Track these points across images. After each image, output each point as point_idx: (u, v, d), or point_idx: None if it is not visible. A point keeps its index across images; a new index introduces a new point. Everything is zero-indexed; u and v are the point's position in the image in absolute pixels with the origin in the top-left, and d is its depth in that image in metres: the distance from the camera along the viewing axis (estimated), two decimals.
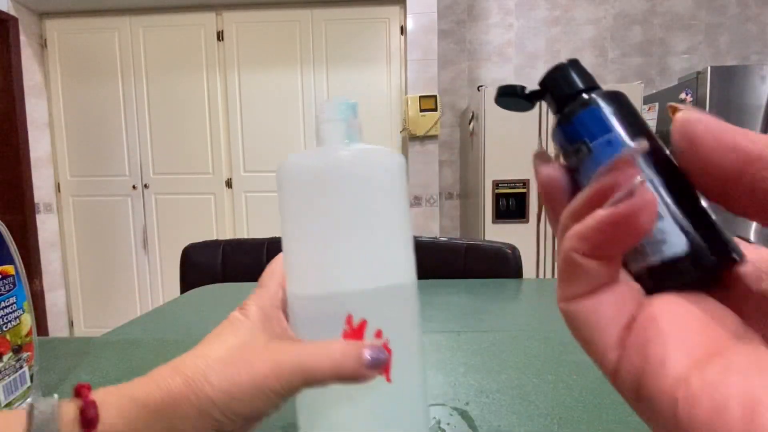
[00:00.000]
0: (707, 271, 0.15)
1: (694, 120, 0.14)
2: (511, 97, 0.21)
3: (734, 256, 0.15)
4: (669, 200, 0.15)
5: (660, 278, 0.15)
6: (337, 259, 0.25)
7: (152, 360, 0.55)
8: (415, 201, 2.48)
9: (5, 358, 0.40)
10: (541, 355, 0.54)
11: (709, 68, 2.08)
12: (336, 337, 0.24)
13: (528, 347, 0.57)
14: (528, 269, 2.07)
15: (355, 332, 0.23)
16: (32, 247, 2.46)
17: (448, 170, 2.87)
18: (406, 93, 2.44)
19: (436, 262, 1.13)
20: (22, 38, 2.41)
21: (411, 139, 2.41)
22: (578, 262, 0.14)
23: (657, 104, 2.44)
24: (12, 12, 2.34)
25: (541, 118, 2.16)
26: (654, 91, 2.56)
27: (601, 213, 0.14)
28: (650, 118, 2.45)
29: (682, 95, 2.23)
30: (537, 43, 2.78)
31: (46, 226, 2.55)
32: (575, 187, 0.18)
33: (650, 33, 2.76)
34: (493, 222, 2.23)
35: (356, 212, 0.25)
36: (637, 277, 0.16)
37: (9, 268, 0.41)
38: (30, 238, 2.44)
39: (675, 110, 0.15)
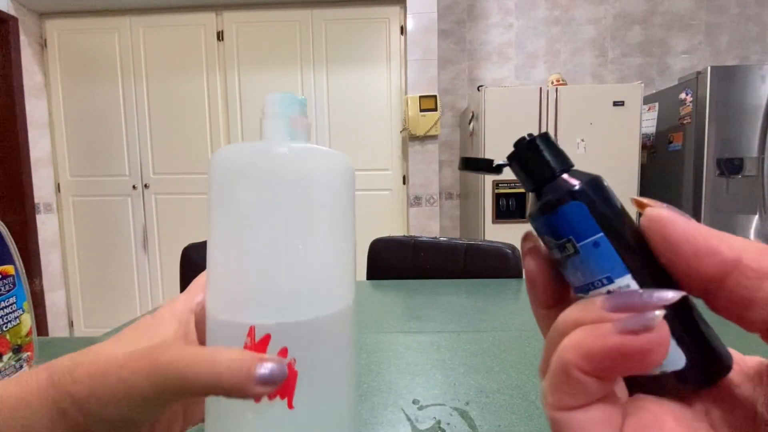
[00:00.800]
0: (702, 385, 0.15)
1: (665, 219, 0.14)
2: (477, 170, 0.21)
3: (726, 366, 0.15)
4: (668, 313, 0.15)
5: (654, 386, 0.15)
6: (250, 280, 0.21)
7: None
8: (415, 201, 2.48)
9: (5, 358, 0.40)
10: (540, 355, 0.54)
11: (709, 68, 2.08)
12: None
13: (528, 347, 0.57)
14: None
15: (257, 347, 0.20)
16: (32, 247, 2.46)
17: (448, 170, 2.87)
18: (406, 93, 2.44)
19: (436, 262, 1.13)
20: (22, 38, 2.41)
21: (411, 139, 2.41)
22: (578, 379, 0.14)
23: (657, 104, 2.44)
24: (12, 12, 2.34)
25: (541, 118, 2.16)
26: (654, 91, 2.56)
27: (612, 339, 0.13)
28: (650, 117, 2.46)
29: (682, 95, 2.23)
30: (537, 43, 2.78)
31: (46, 226, 2.55)
32: (559, 275, 0.17)
33: (650, 33, 2.76)
34: (493, 222, 2.23)
35: (288, 223, 0.20)
36: (628, 378, 0.16)
37: (9, 268, 0.41)
38: (30, 238, 2.44)
39: (641, 205, 0.15)
